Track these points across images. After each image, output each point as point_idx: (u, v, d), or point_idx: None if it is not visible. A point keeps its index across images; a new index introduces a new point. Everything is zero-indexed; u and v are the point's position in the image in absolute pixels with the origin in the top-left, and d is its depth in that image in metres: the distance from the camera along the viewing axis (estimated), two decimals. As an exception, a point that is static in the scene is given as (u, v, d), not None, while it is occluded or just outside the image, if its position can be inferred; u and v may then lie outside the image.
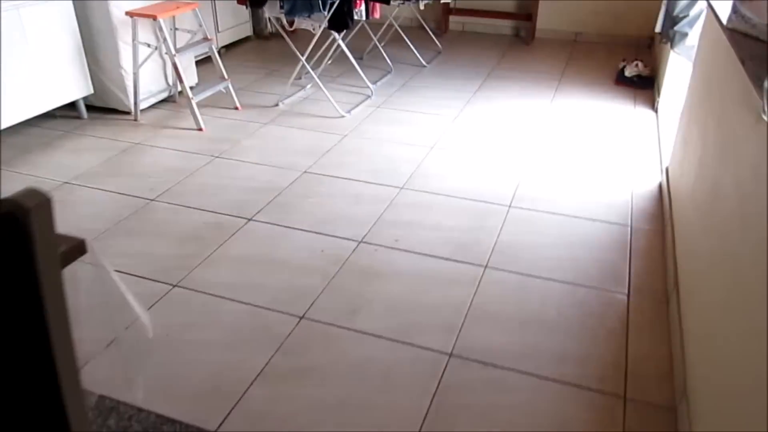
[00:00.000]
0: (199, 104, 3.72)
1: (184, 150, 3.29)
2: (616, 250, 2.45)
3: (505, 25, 5.57)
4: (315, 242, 2.48)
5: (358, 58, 4.79)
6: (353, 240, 2.49)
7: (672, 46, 3.37)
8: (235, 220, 2.63)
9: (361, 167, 3.11)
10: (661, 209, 2.74)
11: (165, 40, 3.36)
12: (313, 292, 2.19)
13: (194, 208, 2.73)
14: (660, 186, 2.93)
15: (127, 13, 3.36)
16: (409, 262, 2.37)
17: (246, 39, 5.32)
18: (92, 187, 2.90)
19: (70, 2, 3.34)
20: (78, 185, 2.91)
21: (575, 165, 3.14)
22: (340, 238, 2.51)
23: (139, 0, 3.50)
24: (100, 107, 3.76)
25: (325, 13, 3.41)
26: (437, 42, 5.12)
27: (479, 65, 4.73)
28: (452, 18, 5.63)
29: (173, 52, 3.38)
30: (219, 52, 4.89)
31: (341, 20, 3.49)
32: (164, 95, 3.90)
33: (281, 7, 3.45)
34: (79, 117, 3.67)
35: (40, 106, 3.31)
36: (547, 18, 5.35)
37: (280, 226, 2.59)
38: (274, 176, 3.01)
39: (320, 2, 3.35)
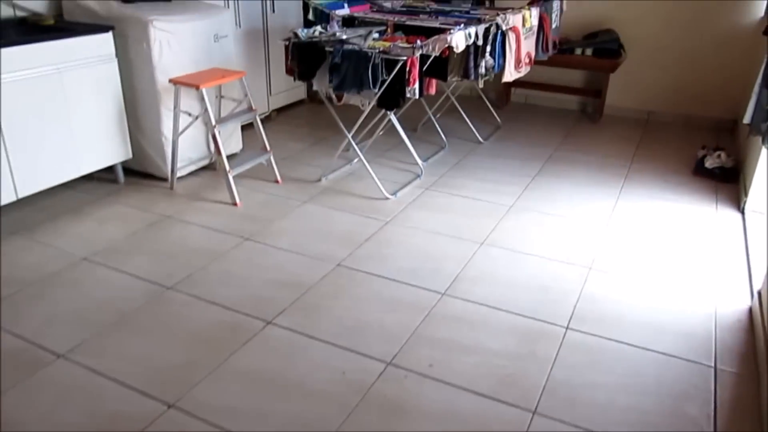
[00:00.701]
0: (238, 175, 3.54)
1: (214, 228, 3.07)
2: (697, 402, 2.02)
3: (572, 100, 5.24)
4: (338, 359, 2.16)
5: (412, 130, 4.56)
6: (381, 361, 2.16)
7: (764, 142, 2.96)
8: (253, 322, 2.35)
9: (400, 263, 2.79)
10: (754, 346, 2.29)
11: (206, 110, 3.19)
12: (326, 428, 1.86)
13: (211, 302, 2.47)
14: (751, 313, 2.49)
15: (170, 81, 3.23)
16: (442, 397, 2.01)
17: (300, 102, 5.19)
18: (110, 267, 2.69)
19: (116, 66, 3.24)
20: (96, 263, 2.72)
21: (646, 278, 2.73)
22: (367, 356, 2.18)
23: (188, 64, 3.38)
24: (139, 171, 3.63)
25: (376, 90, 3.18)
26: (496, 116, 4.84)
27: (541, 144, 4.39)
28: (514, 90, 5.35)
29: (213, 123, 3.21)
30: (270, 116, 4.76)
31: (392, 98, 3.25)
32: (205, 162, 3.74)
33: (330, 81, 3.25)
34: (115, 181, 3.53)
35: (76, 170, 3.19)
36: (617, 94, 4.99)
37: (302, 334, 2.29)
38: (304, 268, 2.73)
39: (371, 79, 3.13)
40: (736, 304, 2.56)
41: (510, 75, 3.72)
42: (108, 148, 3.33)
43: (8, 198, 2.91)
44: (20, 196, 2.95)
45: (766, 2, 4.22)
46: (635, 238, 3.08)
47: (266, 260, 2.79)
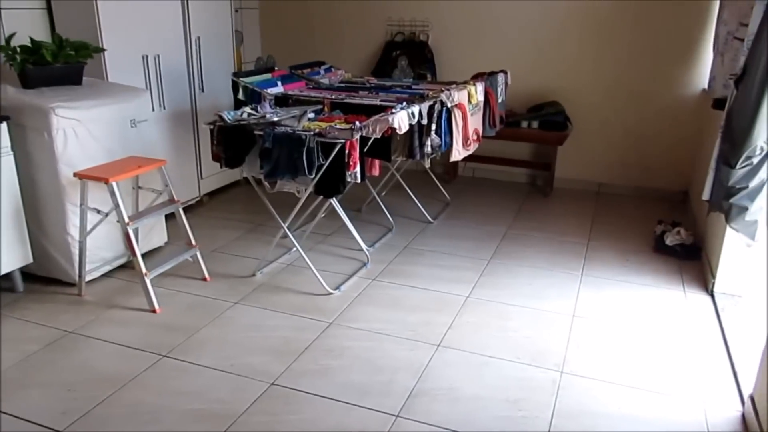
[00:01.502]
0: (161, 274, 3.12)
1: (126, 344, 2.61)
2: None
3: (521, 173, 5.07)
4: None
5: (356, 211, 4.25)
6: None
7: (728, 221, 2.76)
8: (164, 475, 1.90)
9: (346, 377, 2.40)
10: (754, 465, 1.98)
11: (118, 206, 2.79)
12: None
13: (113, 448, 2.01)
14: (744, 419, 2.19)
15: (75, 175, 2.83)
16: None
17: (235, 184, 4.82)
18: (-11, 407, 2.20)
19: (11, 160, 2.83)
20: (-28, 403, 2.22)
21: (625, 382, 2.42)
22: None
23: (96, 154, 3.00)
24: (42, 277, 3.15)
25: (312, 176, 2.86)
26: (444, 192, 4.60)
27: (493, 221, 4.15)
28: (462, 164, 5.16)
29: (126, 220, 2.80)
30: (202, 201, 4.38)
31: (331, 185, 2.94)
32: (122, 261, 3.30)
33: (261, 168, 2.92)
34: (13, 290, 3.04)
35: (-42, 282, 2.70)
36: (566, 166, 4.86)
37: (224, 487, 1.85)
38: (231, 391, 2.30)
39: (306, 165, 2.82)
40: (726, 409, 2.26)
41: (458, 153, 3.49)
42: (4, 253, 2.86)
43: None
44: None
45: (708, 75, 4.20)
46: (605, 330, 2.79)
47: (185, 384, 2.35)
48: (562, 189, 4.90)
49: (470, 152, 3.65)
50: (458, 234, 3.93)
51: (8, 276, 2.99)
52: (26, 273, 3.11)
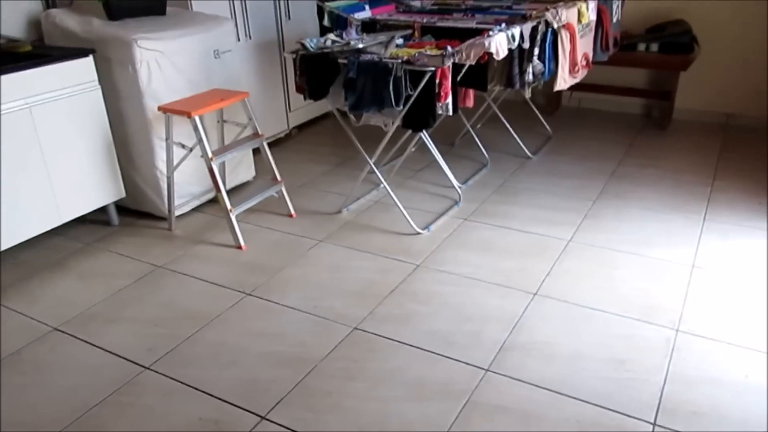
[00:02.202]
0: (248, 209, 3.07)
1: (212, 280, 2.59)
2: None
3: (634, 103, 4.56)
4: (345, 478, 1.64)
5: (448, 145, 4.00)
6: (403, 481, 1.62)
7: None
8: (243, 418, 1.85)
9: (432, 325, 2.25)
10: None
11: (200, 141, 2.72)
12: None
13: (195, 388, 1.98)
14: None
15: (159, 108, 2.77)
16: None
17: (325, 116, 4.69)
18: (82, 340, 2.24)
19: (99, 94, 2.81)
20: (67, 335, 2.27)
21: (753, 345, 2.10)
22: (384, 473, 1.65)
23: (182, 86, 2.93)
24: (135, 210, 3.20)
25: (399, 108, 2.64)
26: (546, 124, 4.21)
27: (600, 158, 3.76)
28: (566, 93, 4.71)
29: (209, 155, 2.73)
30: (290, 134, 4.28)
31: (420, 118, 2.71)
32: (210, 196, 3.28)
33: (345, 100, 2.73)
34: (109, 223, 3.11)
35: (57, 217, 2.77)
36: (688, 95, 4.29)
37: (302, 437, 1.78)
38: (312, 334, 2.22)
39: (392, 96, 2.59)
40: None
41: (564, 82, 3.12)
42: (96, 188, 2.91)
43: (-28, 255, 2.51)
44: (-13, 251, 2.55)
45: None
46: (731, 284, 2.44)
47: (268, 324, 2.29)
48: (681, 121, 4.36)
49: (578, 80, 3.26)
50: (560, 171, 3.59)
51: (104, 210, 3.05)
52: (121, 207, 3.16)
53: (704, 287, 2.41)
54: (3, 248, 2.60)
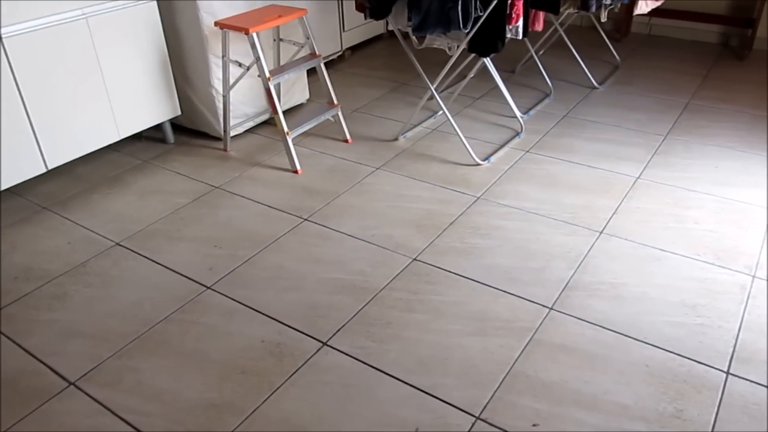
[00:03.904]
0: (303, 133, 3.01)
1: (269, 204, 2.57)
2: None
3: (710, 31, 4.23)
4: (409, 407, 1.64)
5: (509, 72, 3.81)
6: (467, 413, 1.62)
7: None
8: (304, 343, 1.86)
9: (493, 260, 2.19)
10: None
11: (258, 59, 2.63)
12: None
13: (256, 310, 2.00)
14: None
15: (216, 24, 2.67)
16: (551, 483, 1.45)
17: (378, 38, 4.51)
18: (144, 257, 2.27)
19: (155, 6, 2.72)
20: (129, 251, 2.30)
21: (836, 294, 1.99)
22: (448, 404, 1.64)
23: (239, 1, 2.81)
24: (191, 129, 3.17)
25: (467, 30, 2.48)
26: (614, 52, 3.96)
27: (672, 90, 3.53)
28: (636, 18, 4.39)
29: (267, 75, 2.65)
30: (343, 56, 4.14)
31: (488, 41, 2.55)
32: (265, 117, 3.22)
33: (409, 20, 2.58)
34: (164, 141, 3.10)
35: (115, 133, 2.75)
36: (773, 23, 3.96)
37: (364, 364, 1.78)
38: (371, 264, 2.19)
39: (460, 17, 2.43)
40: None
41: (645, 5, 2.88)
42: (152, 105, 2.87)
43: (36, 170, 2.52)
44: (50, 167, 2.56)
45: None
46: (814, 229, 2.30)
47: (326, 251, 2.27)
48: (763, 51, 4.04)
49: (659, 4, 3.01)
50: (629, 103, 3.39)
51: (159, 127, 3.03)
52: (176, 125, 3.13)
53: (784, 233, 2.28)
54: (63, 162, 2.62)
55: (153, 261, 2.25)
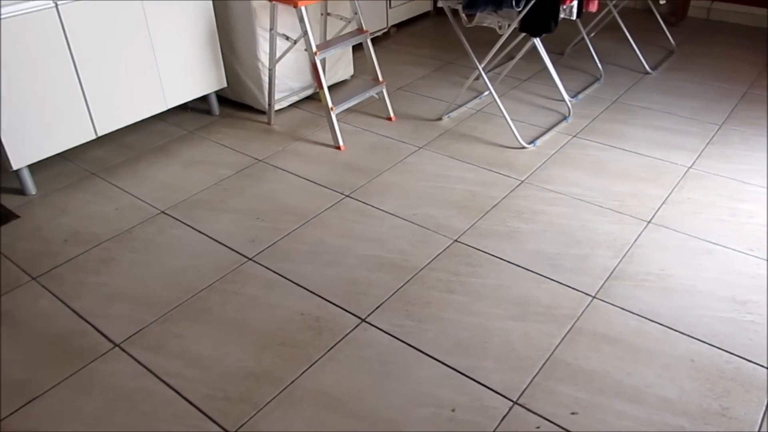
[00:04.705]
0: (346, 110, 3.00)
1: (312, 179, 2.58)
2: None
3: (773, 17, 4.05)
4: (446, 388, 1.63)
5: (558, 54, 3.71)
6: (505, 398, 1.60)
7: None
8: (343, 318, 1.87)
9: (536, 245, 2.16)
10: None
11: (306, 33, 2.62)
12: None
13: (296, 283, 2.01)
14: None
15: (265, -4, 2.67)
16: (589, 473, 1.43)
17: (424, 15, 4.45)
18: (188, 225, 2.30)
19: (206, -22, 2.73)
20: (174, 219, 2.34)
21: None
22: (485, 388, 1.63)
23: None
24: (236, 102, 3.19)
25: (519, 9, 2.42)
26: (669, 36, 3.82)
27: (729, 77, 3.39)
28: (695, 2, 4.23)
29: (314, 49, 2.63)
30: (388, 33, 4.10)
31: (541, 21, 2.48)
32: (309, 92, 3.21)
33: (460, -4, 2.53)
34: (209, 112, 3.12)
35: (163, 103, 2.79)
36: (843, 11, 3.75)
37: (403, 342, 1.78)
38: (412, 243, 2.18)
39: (514, -6, 2.37)
40: None
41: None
42: (199, 76, 2.89)
43: (86, 137, 2.58)
44: (100, 134, 2.61)
45: None
46: None
47: (367, 228, 2.27)
48: (829, 41, 3.86)
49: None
50: (682, 90, 3.27)
51: (205, 99, 3.06)
52: (221, 97, 3.16)
53: None
54: (113, 129, 2.66)
55: (196, 230, 2.28)
